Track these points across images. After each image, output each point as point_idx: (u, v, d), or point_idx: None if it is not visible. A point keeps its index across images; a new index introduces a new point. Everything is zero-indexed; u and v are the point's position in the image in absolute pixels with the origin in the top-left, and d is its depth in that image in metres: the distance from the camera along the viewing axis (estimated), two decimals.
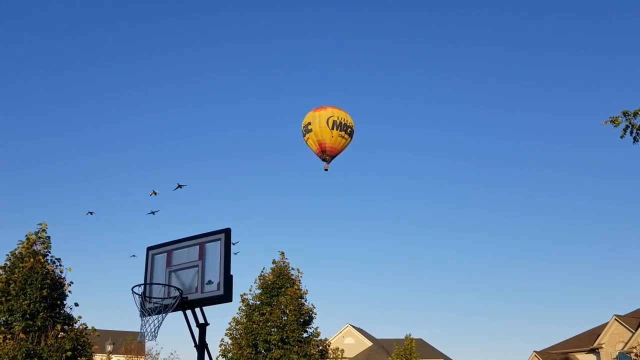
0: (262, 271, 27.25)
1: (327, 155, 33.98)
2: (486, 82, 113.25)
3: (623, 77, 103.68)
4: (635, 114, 9.63)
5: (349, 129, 34.34)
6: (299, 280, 26.87)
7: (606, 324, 49.58)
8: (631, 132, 9.68)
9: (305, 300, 26.47)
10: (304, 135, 34.96)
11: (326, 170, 34.48)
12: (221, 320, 45.34)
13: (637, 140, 9.65)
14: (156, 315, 8.63)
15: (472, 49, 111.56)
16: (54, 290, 18.31)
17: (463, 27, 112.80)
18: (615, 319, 48.66)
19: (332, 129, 33.48)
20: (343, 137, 33.87)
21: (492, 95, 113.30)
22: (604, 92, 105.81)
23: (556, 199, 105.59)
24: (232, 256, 8.92)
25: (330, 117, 33.78)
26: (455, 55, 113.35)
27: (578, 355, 50.73)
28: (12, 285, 17.57)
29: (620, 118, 9.70)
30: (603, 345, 48.65)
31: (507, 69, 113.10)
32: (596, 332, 50.68)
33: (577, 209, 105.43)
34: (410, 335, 51.49)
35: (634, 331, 46.26)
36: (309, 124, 34.28)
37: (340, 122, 33.86)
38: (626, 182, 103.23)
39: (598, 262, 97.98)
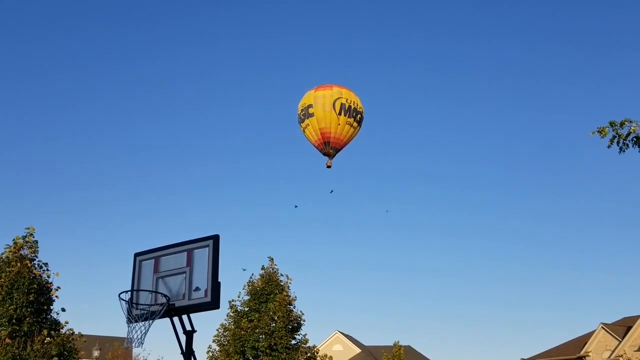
0: (250, 277, 27.19)
1: (330, 148, 27.83)
2: (486, 82, 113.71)
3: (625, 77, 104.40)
4: (621, 124, 9.76)
5: (359, 116, 28.06)
6: (288, 287, 26.83)
7: (593, 332, 49.86)
8: (618, 143, 9.82)
9: (294, 307, 26.43)
10: (302, 122, 28.41)
11: (329, 167, 28.20)
12: (209, 327, 45.22)
13: (623, 151, 9.78)
14: (143, 322, 8.60)
15: (471, 47, 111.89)
16: (41, 295, 18.19)
17: (462, 25, 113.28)
18: (602, 327, 48.93)
19: (340, 114, 27.26)
20: (351, 126, 27.79)
21: (493, 94, 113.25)
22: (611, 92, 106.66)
23: (545, 204, 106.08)
24: (220, 262, 8.91)
25: (338, 98, 27.48)
26: (459, 54, 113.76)
27: None
28: None
29: (607, 128, 9.83)
30: (590, 354, 48.89)
31: (519, 68, 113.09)
32: (583, 340, 50.94)
33: (565, 215, 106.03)
34: (398, 342, 51.61)
35: (620, 339, 46.54)
36: (310, 106, 27.85)
37: (350, 106, 27.55)
38: (614, 187, 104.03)
39: (585, 269, 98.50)
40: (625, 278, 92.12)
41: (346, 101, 27.59)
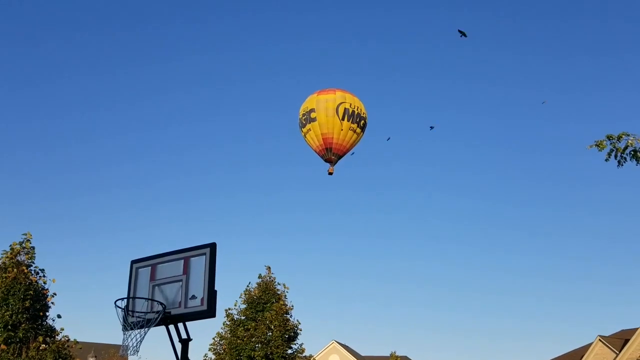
0: (247, 286, 27.19)
1: (332, 154, 27.15)
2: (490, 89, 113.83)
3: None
4: (619, 138, 9.82)
5: (362, 122, 27.41)
6: (285, 296, 26.82)
7: (590, 344, 49.72)
8: (615, 156, 9.87)
9: (291, 316, 26.42)
10: (303, 126, 27.66)
11: (331, 174, 27.51)
12: (205, 335, 45.11)
13: (621, 164, 9.82)
14: (139, 330, 8.58)
15: (473, 54, 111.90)
16: (37, 301, 18.17)
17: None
18: (599, 339, 48.81)
19: (343, 119, 26.58)
20: (354, 132, 27.11)
21: (495, 100, 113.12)
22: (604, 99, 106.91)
23: (543, 214, 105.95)
24: (218, 270, 8.90)
25: (342, 103, 26.75)
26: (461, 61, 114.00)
27: None
28: None
29: (604, 142, 9.88)
30: None
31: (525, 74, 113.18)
32: (580, 352, 50.79)
33: (562, 226, 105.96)
34: (395, 352, 51.49)
35: (618, 352, 46.40)
36: (312, 110, 27.08)
37: (353, 111, 26.89)
38: (613, 199, 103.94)
39: (582, 281, 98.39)
40: (623, 290, 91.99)
41: (350, 106, 26.93)
